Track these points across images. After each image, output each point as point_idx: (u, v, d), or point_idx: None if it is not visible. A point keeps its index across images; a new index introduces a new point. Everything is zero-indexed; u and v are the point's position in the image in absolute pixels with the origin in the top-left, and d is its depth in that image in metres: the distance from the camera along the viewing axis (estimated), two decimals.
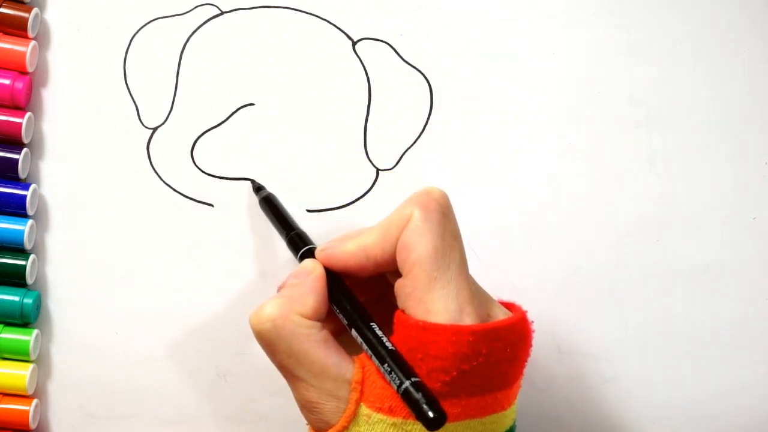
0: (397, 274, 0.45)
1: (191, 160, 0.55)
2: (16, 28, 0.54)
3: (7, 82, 0.53)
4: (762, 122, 0.56)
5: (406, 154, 0.55)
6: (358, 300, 0.46)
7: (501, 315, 0.45)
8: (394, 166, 0.55)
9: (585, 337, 0.56)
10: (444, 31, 0.55)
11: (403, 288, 0.44)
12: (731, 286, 0.56)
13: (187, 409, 0.56)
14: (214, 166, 0.55)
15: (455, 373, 0.42)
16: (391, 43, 0.55)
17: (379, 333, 0.43)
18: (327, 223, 0.54)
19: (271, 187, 0.55)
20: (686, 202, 0.56)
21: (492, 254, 0.55)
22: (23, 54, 0.53)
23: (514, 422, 0.46)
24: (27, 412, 0.55)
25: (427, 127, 0.55)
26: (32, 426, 0.55)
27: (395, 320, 0.44)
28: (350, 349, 0.45)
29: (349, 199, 0.55)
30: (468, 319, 0.43)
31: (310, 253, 0.48)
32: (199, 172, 0.55)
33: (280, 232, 0.51)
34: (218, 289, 0.55)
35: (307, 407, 0.44)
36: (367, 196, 0.55)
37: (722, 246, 0.56)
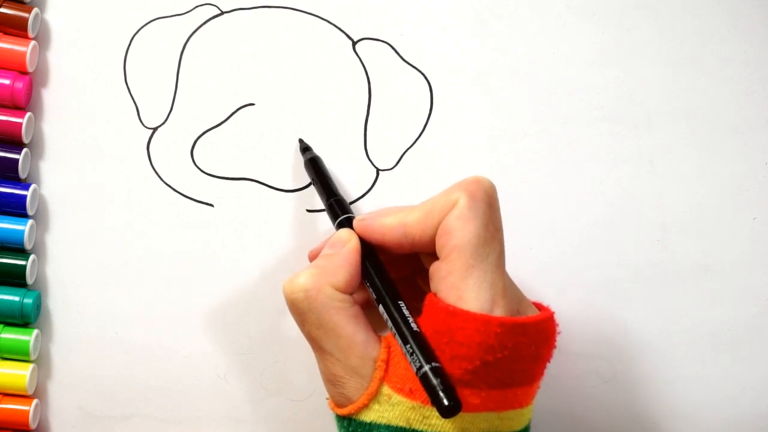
0: (432, 257, 0.45)
1: (191, 160, 0.55)
2: (16, 28, 0.54)
3: (7, 82, 0.53)
4: (762, 122, 0.56)
5: (406, 154, 0.55)
6: (390, 276, 0.45)
7: (530, 313, 0.45)
8: (394, 166, 0.55)
9: (585, 337, 0.56)
10: (444, 31, 0.55)
11: (438, 271, 0.44)
12: (731, 286, 0.56)
13: (187, 409, 0.56)
14: (214, 166, 0.55)
15: (478, 362, 0.42)
16: (391, 43, 0.55)
17: (406, 312, 0.43)
18: (327, 223, 0.54)
19: (271, 187, 0.55)
20: (686, 203, 0.56)
21: None
22: (23, 54, 0.53)
23: (530, 422, 0.46)
24: (27, 412, 0.55)
25: (427, 127, 0.55)
26: (32, 426, 0.55)
27: (426, 302, 0.44)
28: (377, 325, 0.45)
29: (349, 199, 0.55)
30: (498, 311, 0.43)
31: (348, 222, 0.48)
32: (199, 172, 0.55)
33: (321, 196, 0.51)
34: (218, 289, 0.55)
35: (331, 380, 0.44)
36: (367, 195, 0.55)
37: (722, 246, 0.56)
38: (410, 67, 0.55)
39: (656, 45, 0.55)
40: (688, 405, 0.56)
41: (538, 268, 0.55)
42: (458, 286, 0.43)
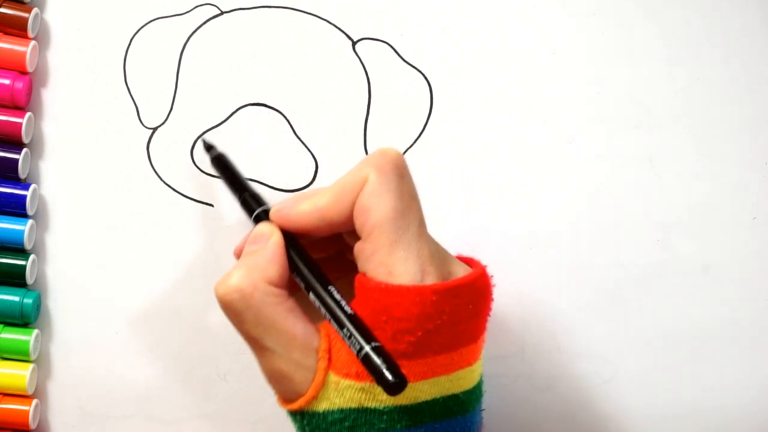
0: (353, 235, 0.44)
1: (191, 160, 0.55)
2: (16, 28, 0.54)
3: (7, 82, 0.53)
4: (762, 122, 0.56)
5: (406, 154, 0.55)
6: (316, 263, 0.45)
7: (461, 272, 0.45)
8: None
9: (585, 337, 0.56)
10: (444, 32, 0.55)
11: (363, 251, 0.43)
12: (731, 286, 0.56)
13: (187, 409, 0.56)
14: None
15: (420, 333, 0.42)
16: (391, 43, 0.55)
17: (338, 297, 0.43)
18: None
19: (271, 187, 0.55)
20: (686, 202, 0.56)
21: (492, 254, 0.55)
22: (23, 54, 0.53)
23: (481, 377, 0.46)
24: (27, 412, 0.55)
25: (427, 127, 0.55)
26: (32, 426, 0.55)
27: (356, 284, 0.44)
28: (311, 315, 0.44)
29: None
30: (430, 279, 0.43)
31: (265, 215, 0.47)
32: (199, 172, 0.55)
33: (234, 193, 0.49)
34: None
35: (275, 378, 0.44)
36: None
37: (722, 246, 0.56)
38: (410, 67, 0.55)
39: (656, 45, 0.55)
40: (688, 405, 0.56)
41: (538, 268, 0.55)
42: (386, 262, 0.43)
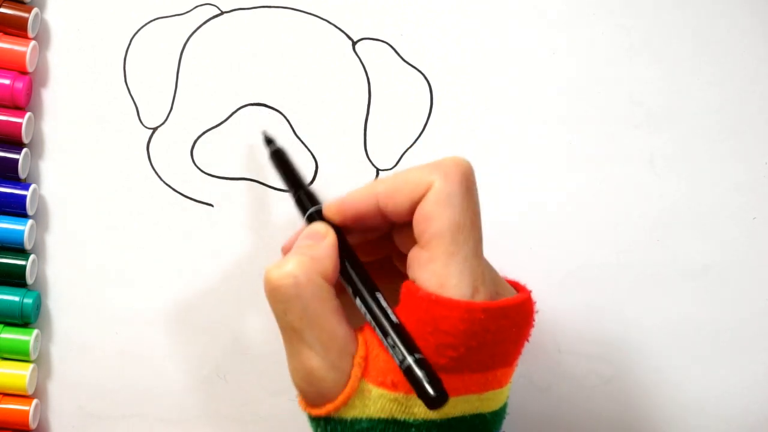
0: (405, 237, 0.44)
1: (191, 160, 0.55)
2: (16, 28, 0.54)
3: (7, 82, 0.53)
4: (762, 122, 0.56)
5: (406, 154, 0.55)
6: (364, 268, 0.44)
7: (508, 294, 0.45)
8: (394, 166, 0.55)
9: (585, 337, 0.56)
10: (444, 31, 0.55)
11: (417, 258, 0.43)
12: (731, 286, 0.56)
13: (187, 409, 0.56)
14: (214, 166, 0.55)
15: (463, 349, 0.42)
16: (391, 43, 0.55)
17: (384, 304, 0.42)
18: None
19: (271, 187, 0.55)
20: (686, 202, 0.56)
21: (492, 254, 0.55)
22: (23, 54, 0.53)
23: (507, 400, 0.46)
24: (27, 412, 0.55)
25: (427, 127, 0.55)
26: (32, 426, 0.55)
27: (403, 290, 0.43)
28: (352, 320, 0.44)
29: None
30: (480, 297, 0.42)
31: (318, 214, 0.46)
32: (199, 172, 0.55)
33: (289, 189, 0.49)
34: (218, 289, 0.55)
35: (305, 378, 0.43)
36: None
37: (722, 246, 0.56)
38: (410, 67, 0.55)
39: (656, 45, 0.55)
40: (688, 405, 0.56)
41: (538, 268, 0.55)
42: (439, 273, 0.42)
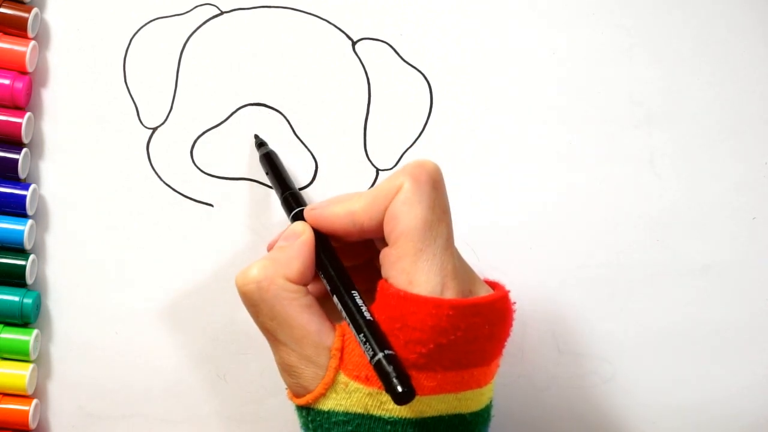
0: (384, 242, 0.45)
1: (191, 160, 0.55)
2: (16, 28, 0.54)
3: (7, 82, 0.53)
4: (762, 122, 0.56)
5: (406, 154, 0.55)
6: (343, 266, 0.46)
7: (483, 292, 0.45)
8: (394, 166, 0.55)
9: (585, 337, 0.56)
10: (444, 31, 0.55)
11: (387, 257, 0.44)
12: (731, 286, 0.56)
13: (187, 409, 0.56)
14: (214, 166, 0.55)
15: (432, 345, 0.42)
16: (391, 43, 0.55)
17: (359, 302, 0.44)
18: None
19: (271, 187, 0.55)
20: (686, 202, 0.56)
21: (492, 254, 0.55)
22: (23, 54, 0.53)
23: (491, 401, 0.46)
24: (27, 412, 0.55)
25: (427, 127, 0.55)
26: (32, 426, 0.55)
27: (378, 288, 0.44)
28: (334, 315, 0.45)
29: None
30: (449, 294, 0.43)
31: (302, 215, 0.48)
32: (199, 172, 0.55)
33: (276, 191, 0.51)
34: (218, 289, 0.55)
35: (287, 371, 0.45)
36: None
37: (722, 246, 0.56)
38: (410, 67, 0.55)
39: (656, 45, 0.55)
40: (688, 405, 0.56)
41: (537, 268, 0.55)
42: (408, 270, 0.43)
